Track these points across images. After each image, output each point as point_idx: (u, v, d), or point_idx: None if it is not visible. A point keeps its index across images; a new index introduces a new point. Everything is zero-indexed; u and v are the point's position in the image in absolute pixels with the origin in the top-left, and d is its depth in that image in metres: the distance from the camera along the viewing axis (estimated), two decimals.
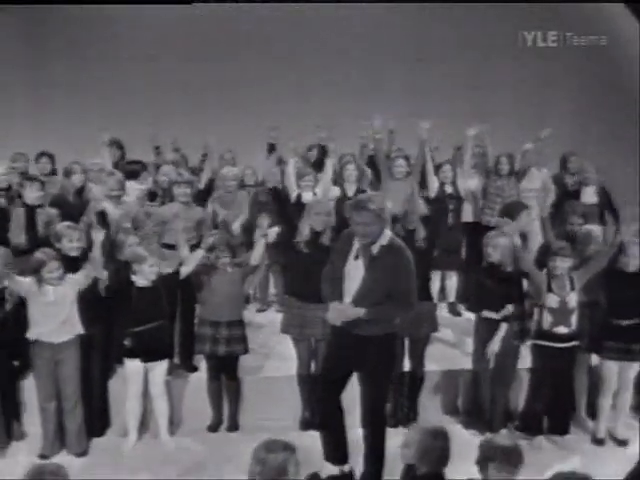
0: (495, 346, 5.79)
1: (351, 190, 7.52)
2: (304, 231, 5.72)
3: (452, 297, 7.77)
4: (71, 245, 5.70)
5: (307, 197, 7.03)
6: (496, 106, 10.03)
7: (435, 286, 7.54)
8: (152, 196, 7.20)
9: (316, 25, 10.49)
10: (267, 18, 10.32)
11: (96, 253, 5.81)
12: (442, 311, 7.48)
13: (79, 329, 5.59)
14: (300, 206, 6.60)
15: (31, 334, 5.52)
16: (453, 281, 7.76)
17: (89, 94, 10.43)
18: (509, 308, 5.75)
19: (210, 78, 10.35)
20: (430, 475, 3.78)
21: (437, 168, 7.65)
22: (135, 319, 5.66)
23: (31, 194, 6.37)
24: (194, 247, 6.49)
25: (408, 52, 10.60)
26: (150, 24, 10.52)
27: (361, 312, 4.60)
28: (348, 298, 4.71)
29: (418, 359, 6.01)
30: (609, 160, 8.40)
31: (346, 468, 5.09)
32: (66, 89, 10.55)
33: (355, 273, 4.70)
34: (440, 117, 8.04)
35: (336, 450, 5.06)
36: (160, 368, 5.82)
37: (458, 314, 7.57)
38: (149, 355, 5.74)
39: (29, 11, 10.09)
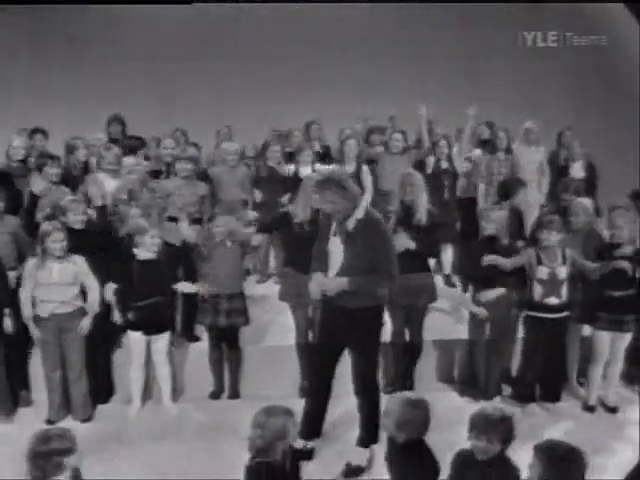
0: (489, 296, 5.93)
1: (351, 166, 7.63)
2: (299, 205, 5.83)
3: (447, 269, 7.90)
4: (76, 218, 5.83)
5: (305, 172, 7.13)
6: (496, 106, 10.06)
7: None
8: (156, 174, 7.21)
9: (316, 23, 10.58)
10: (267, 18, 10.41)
11: None
12: (438, 283, 7.60)
13: (81, 303, 5.72)
14: (298, 181, 6.69)
15: (37, 312, 5.64)
16: (448, 254, 7.88)
17: (89, 71, 10.49)
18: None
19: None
20: (408, 442, 3.84)
21: (434, 145, 7.77)
22: (137, 293, 5.76)
23: (52, 170, 6.52)
24: (196, 221, 6.63)
25: (408, 52, 10.64)
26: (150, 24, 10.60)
27: (344, 283, 4.68)
28: (332, 273, 4.82)
29: (417, 329, 6.14)
30: (609, 159, 8.48)
31: (310, 445, 5.18)
32: (65, 67, 10.63)
33: (336, 249, 4.80)
34: (440, 117, 8.23)
35: (311, 424, 5.15)
36: (162, 339, 5.93)
37: (453, 285, 7.70)
38: (151, 328, 5.86)
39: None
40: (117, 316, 5.86)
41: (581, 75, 10.22)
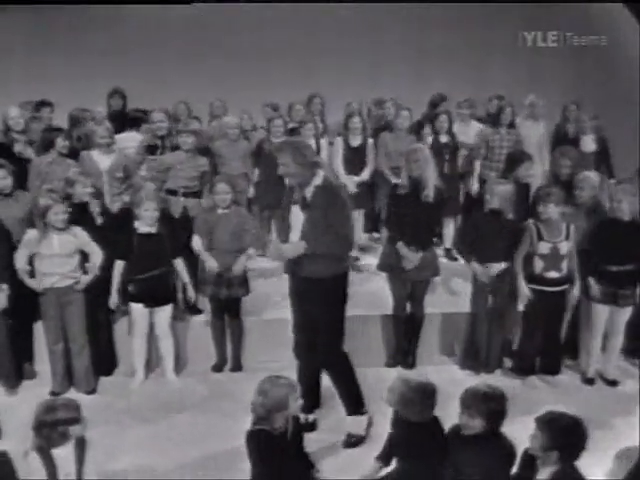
0: (494, 269, 5.96)
1: (355, 142, 7.62)
2: None
3: (449, 243, 7.91)
4: (83, 190, 5.86)
5: None
6: None
7: None
8: (152, 149, 7.13)
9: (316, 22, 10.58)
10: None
11: None
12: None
13: (81, 275, 5.74)
14: None
15: (39, 285, 5.65)
16: (450, 228, 7.89)
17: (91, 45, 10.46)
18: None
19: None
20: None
21: (434, 118, 7.79)
22: (138, 266, 5.79)
23: (62, 143, 6.52)
24: (197, 195, 6.63)
25: (408, 52, 10.60)
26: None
27: (301, 247, 4.72)
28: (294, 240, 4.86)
29: (419, 302, 6.18)
30: None
31: (310, 417, 5.22)
32: (67, 40, 10.59)
33: (296, 217, 4.84)
34: None
35: (307, 397, 5.03)
36: (164, 312, 5.97)
37: (454, 259, 7.72)
38: (153, 301, 5.90)
39: None
40: (114, 297, 5.89)
41: (581, 75, 10.21)
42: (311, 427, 5.16)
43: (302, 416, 4.99)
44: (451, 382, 5.66)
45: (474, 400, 3.75)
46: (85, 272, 5.76)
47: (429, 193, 5.88)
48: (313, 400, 5.25)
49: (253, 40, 10.61)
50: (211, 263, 5.99)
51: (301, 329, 5.09)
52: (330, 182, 4.83)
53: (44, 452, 3.87)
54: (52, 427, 3.83)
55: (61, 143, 6.55)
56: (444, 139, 7.71)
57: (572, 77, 10.16)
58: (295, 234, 4.83)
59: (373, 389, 5.18)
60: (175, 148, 6.87)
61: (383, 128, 8.07)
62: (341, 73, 10.35)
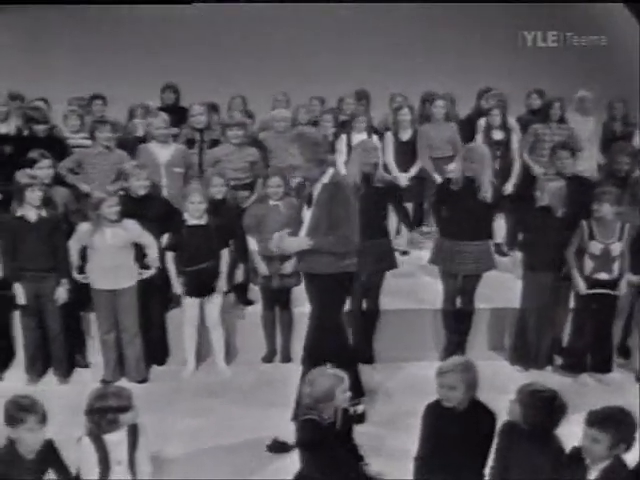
0: None
1: (405, 135, 7.60)
2: (352, 170, 5.85)
3: (499, 238, 7.83)
4: (139, 184, 5.93)
5: (358, 138, 7.15)
6: None
7: None
8: (191, 143, 7.14)
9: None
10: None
11: None
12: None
13: (135, 278, 5.82)
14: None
15: (91, 281, 5.78)
16: (501, 223, 7.80)
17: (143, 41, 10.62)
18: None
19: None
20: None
21: (486, 113, 7.72)
22: (187, 258, 5.85)
23: (102, 135, 6.59)
24: (248, 186, 6.67)
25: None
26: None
27: (303, 241, 4.73)
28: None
29: (469, 297, 6.14)
30: None
31: (360, 409, 5.12)
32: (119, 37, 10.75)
33: (305, 215, 4.86)
34: None
35: None
36: (214, 302, 6.02)
37: (504, 254, 7.64)
38: (202, 293, 5.96)
39: None
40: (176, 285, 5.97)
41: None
42: (359, 419, 5.14)
43: (351, 408, 5.08)
44: (500, 377, 5.70)
45: (531, 398, 3.71)
46: (144, 266, 5.86)
47: (486, 194, 5.84)
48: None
49: (302, 36, 10.63)
50: (262, 269, 6.04)
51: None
52: (337, 181, 4.83)
53: (96, 437, 3.94)
54: (102, 414, 3.88)
55: (104, 135, 6.59)
56: (498, 135, 7.61)
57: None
58: (303, 230, 4.86)
59: (421, 383, 5.21)
60: (215, 142, 6.94)
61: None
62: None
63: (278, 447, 4.90)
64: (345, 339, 5.15)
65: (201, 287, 5.93)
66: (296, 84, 8.87)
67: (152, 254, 5.85)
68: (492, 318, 6.47)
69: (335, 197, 4.73)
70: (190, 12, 10.51)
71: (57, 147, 6.65)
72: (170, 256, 5.92)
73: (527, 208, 6.23)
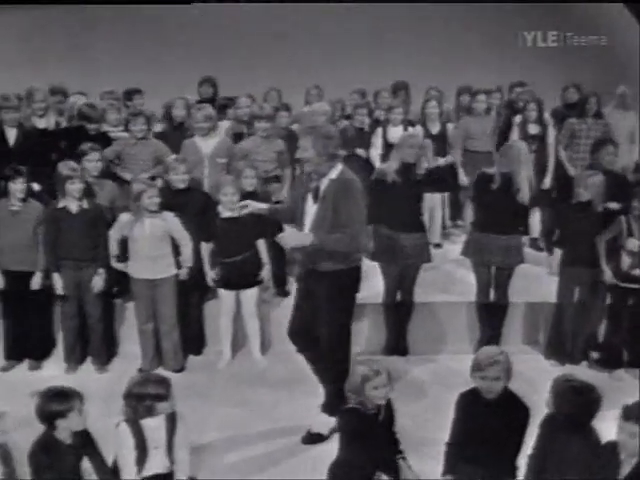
0: None
1: (434, 128, 7.61)
2: (394, 163, 5.88)
3: (535, 233, 7.81)
4: (177, 177, 6.01)
5: (395, 131, 7.17)
6: None
7: None
8: (239, 137, 7.23)
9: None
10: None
11: None
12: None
13: (173, 269, 5.91)
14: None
15: (131, 271, 5.89)
16: (536, 217, 7.79)
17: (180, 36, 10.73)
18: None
19: None
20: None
21: (523, 108, 7.69)
22: (222, 250, 5.92)
23: (135, 127, 6.68)
24: (276, 179, 6.70)
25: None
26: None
27: (308, 237, 4.64)
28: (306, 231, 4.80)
29: (502, 290, 6.13)
30: None
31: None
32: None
33: (310, 208, 4.80)
34: None
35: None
36: (250, 294, 6.08)
37: (540, 249, 7.62)
38: (238, 285, 6.02)
39: None
40: (210, 275, 6.04)
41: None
42: None
43: (331, 420, 5.00)
44: (535, 371, 5.70)
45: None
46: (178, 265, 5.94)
47: (524, 196, 5.82)
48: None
49: (340, 29, 10.67)
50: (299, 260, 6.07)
51: (298, 317, 5.07)
52: (345, 176, 4.78)
53: (133, 423, 4.03)
54: (140, 400, 3.98)
55: (138, 127, 6.66)
56: (534, 130, 7.58)
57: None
58: (307, 225, 4.82)
59: (454, 375, 5.27)
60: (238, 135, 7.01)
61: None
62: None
63: (312, 439, 4.96)
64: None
65: (237, 279, 5.99)
66: (329, 78, 8.94)
67: (186, 252, 5.91)
68: (527, 312, 6.46)
69: (342, 194, 4.67)
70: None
71: (104, 142, 6.77)
72: (205, 248, 5.99)
73: (565, 203, 6.22)
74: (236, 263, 5.92)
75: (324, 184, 4.73)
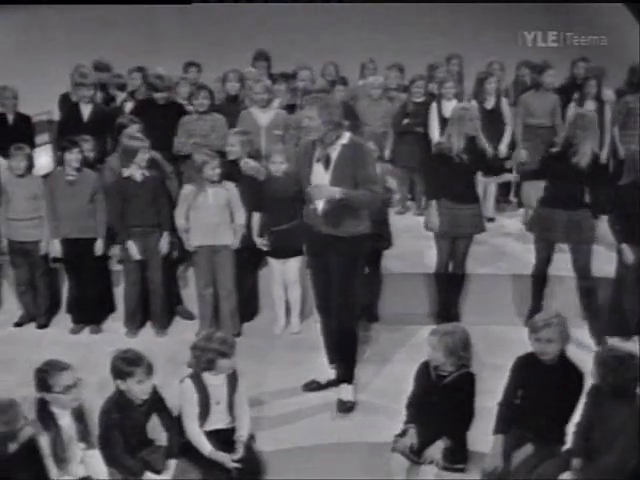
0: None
1: (490, 103, 7.64)
2: (453, 135, 5.95)
3: None
4: (231, 149, 6.16)
5: (448, 105, 7.28)
6: None
7: None
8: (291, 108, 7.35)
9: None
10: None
11: None
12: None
13: (231, 238, 6.06)
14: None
15: (192, 239, 6.05)
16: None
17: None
18: None
19: None
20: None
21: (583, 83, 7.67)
22: (271, 219, 6.03)
23: (198, 101, 6.86)
24: None
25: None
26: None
27: (338, 190, 4.68)
28: (320, 203, 4.84)
29: (584, 264, 5.99)
30: None
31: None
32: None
33: (322, 178, 4.82)
34: None
35: (328, 352, 5.28)
36: (293, 263, 6.17)
37: None
38: (284, 252, 6.11)
39: None
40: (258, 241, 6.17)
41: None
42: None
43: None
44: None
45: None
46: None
47: (581, 159, 5.76)
48: (331, 356, 5.32)
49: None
50: None
51: (318, 283, 5.18)
52: (357, 141, 4.89)
53: (197, 379, 4.28)
54: (202, 352, 4.25)
55: (199, 101, 6.84)
56: (590, 106, 7.51)
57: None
58: None
59: (496, 345, 5.45)
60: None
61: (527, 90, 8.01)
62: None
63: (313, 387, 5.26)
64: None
65: (284, 248, 6.08)
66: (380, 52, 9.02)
67: (240, 221, 6.06)
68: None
69: (358, 157, 4.77)
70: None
71: (176, 112, 6.99)
72: (256, 217, 6.14)
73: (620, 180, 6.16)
74: (283, 232, 5.99)
75: (336, 150, 4.80)
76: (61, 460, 3.86)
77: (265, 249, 6.15)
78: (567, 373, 4.04)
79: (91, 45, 10.51)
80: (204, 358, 4.24)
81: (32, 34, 12.05)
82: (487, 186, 7.78)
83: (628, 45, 8.37)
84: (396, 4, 10.49)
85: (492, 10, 10.22)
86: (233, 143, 6.18)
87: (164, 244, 6.10)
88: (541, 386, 4.04)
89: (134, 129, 6.28)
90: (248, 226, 6.13)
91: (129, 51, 9.54)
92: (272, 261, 6.23)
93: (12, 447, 3.55)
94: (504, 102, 7.73)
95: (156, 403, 4.26)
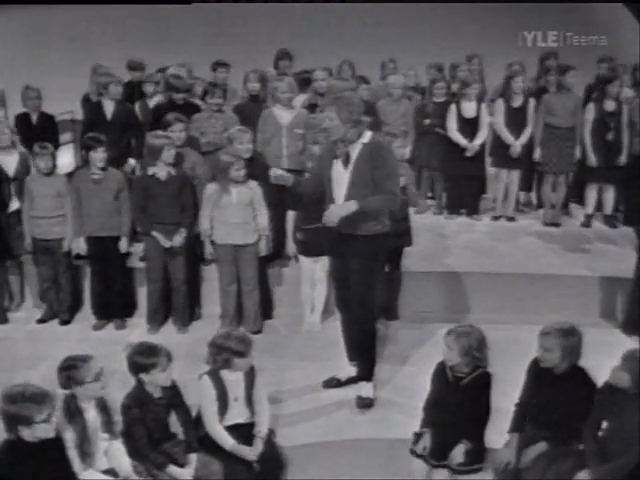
0: None
1: (517, 102, 7.65)
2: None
3: (609, 210, 7.78)
4: (242, 147, 6.13)
5: (469, 106, 7.31)
6: None
7: (592, 198, 7.73)
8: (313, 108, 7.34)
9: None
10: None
11: None
12: (596, 223, 7.77)
13: (254, 237, 6.09)
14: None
15: (216, 237, 6.09)
16: (611, 194, 7.76)
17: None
18: None
19: None
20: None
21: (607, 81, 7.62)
22: (304, 217, 6.03)
23: (213, 100, 6.93)
24: None
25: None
26: None
27: (353, 205, 4.68)
28: (339, 200, 4.84)
29: None
30: None
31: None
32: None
33: (339, 176, 4.84)
34: None
35: (348, 349, 5.31)
36: (322, 260, 6.13)
37: (614, 226, 7.61)
38: (316, 251, 6.07)
39: None
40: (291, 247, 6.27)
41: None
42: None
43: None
44: (610, 345, 5.68)
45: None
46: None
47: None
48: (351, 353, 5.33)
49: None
50: None
51: (338, 283, 5.22)
52: (378, 141, 4.87)
53: (215, 375, 4.32)
54: (219, 351, 4.27)
55: (214, 100, 6.90)
56: (610, 107, 7.51)
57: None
58: (339, 190, 4.85)
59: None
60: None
61: (543, 89, 8.01)
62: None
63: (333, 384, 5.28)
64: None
65: (316, 246, 6.02)
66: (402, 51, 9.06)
67: (263, 221, 6.08)
68: (601, 286, 6.41)
69: (378, 156, 4.76)
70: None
71: (191, 111, 7.02)
72: (290, 215, 6.19)
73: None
74: (315, 230, 5.95)
75: (356, 149, 4.79)
76: (86, 454, 3.91)
77: (291, 251, 6.23)
78: (576, 382, 4.01)
79: (114, 44, 10.62)
80: (221, 357, 4.27)
81: (51, 33, 12.12)
82: (509, 186, 7.79)
83: (628, 45, 8.34)
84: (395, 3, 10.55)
85: (492, 10, 10.17)
86: (242, 141, 6.17)
87: (178, 238, 6.10)
88: (551, 392, 4.05)
89: (179, 127, 6.36)
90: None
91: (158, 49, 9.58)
92: (303, 259, 6.26)
93: (47, 435, 3.56)
94: (531, 102, 7.73)
95: (174, 397, 4.30)
